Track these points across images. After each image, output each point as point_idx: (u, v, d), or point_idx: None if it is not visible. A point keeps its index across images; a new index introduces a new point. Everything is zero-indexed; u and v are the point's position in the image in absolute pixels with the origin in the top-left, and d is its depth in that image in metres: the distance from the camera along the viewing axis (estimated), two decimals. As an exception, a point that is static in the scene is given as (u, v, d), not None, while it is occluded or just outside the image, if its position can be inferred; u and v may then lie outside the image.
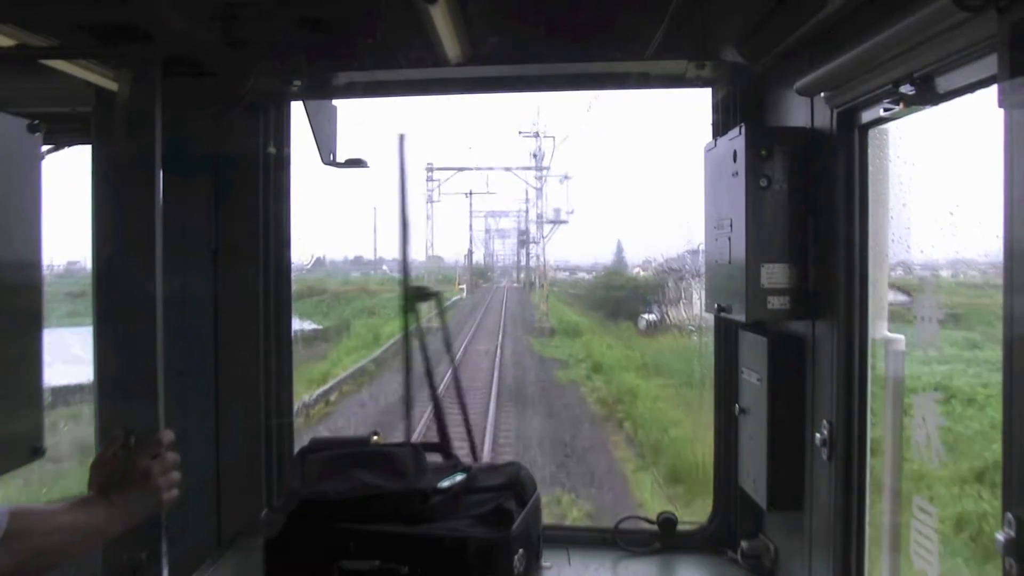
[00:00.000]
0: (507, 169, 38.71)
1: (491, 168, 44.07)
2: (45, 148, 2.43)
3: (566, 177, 40.04)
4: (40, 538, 1.67)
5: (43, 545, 1.68)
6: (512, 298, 43.37)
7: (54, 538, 1.71)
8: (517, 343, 24.78)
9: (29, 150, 2.22)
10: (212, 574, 2.71)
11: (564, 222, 40.80)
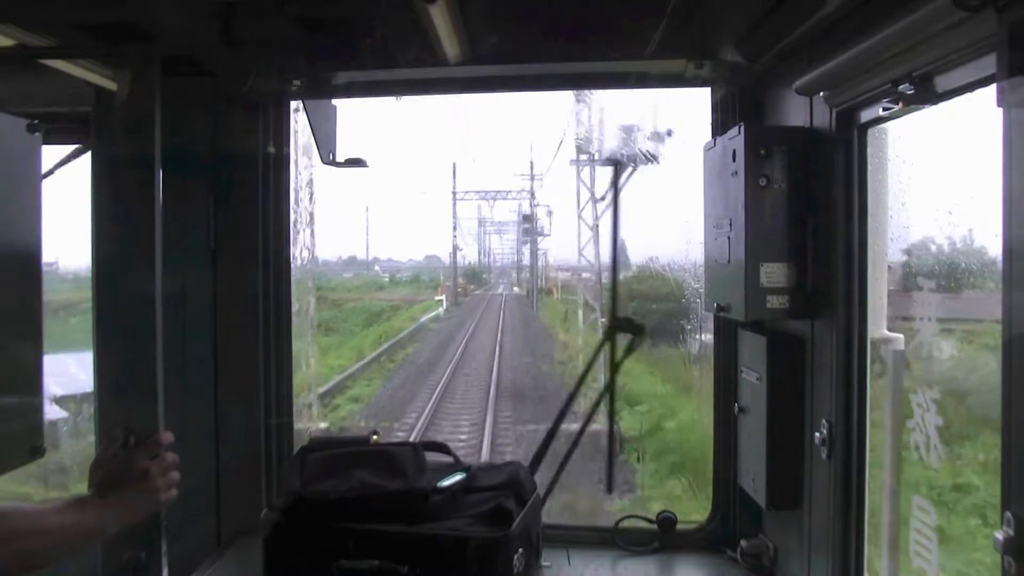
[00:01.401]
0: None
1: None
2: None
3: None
4: (25, 540, 1.66)
5: (28, 547, 1.66)
6: (513, 318, 29.11)
7: (40, 540, 1.69)
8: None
9: (29, 150, 2.22)
10: (212, 574, 2.71)
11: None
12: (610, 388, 2.64)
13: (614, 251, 2.80)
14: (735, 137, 2.35)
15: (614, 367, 2.61)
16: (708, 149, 2.62)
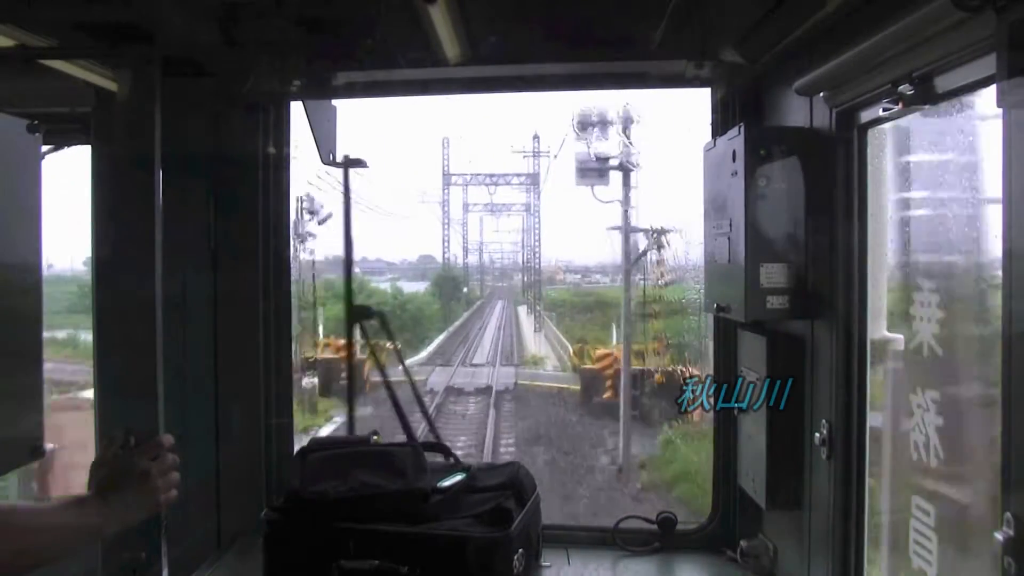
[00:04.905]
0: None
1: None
2: (45, 148, 2.43)
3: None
4: (22, 537, 1.65)
5: (25, 544, 1.66)
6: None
7: (38, 538, 1.68)
8: None
9: (29, 150, 2.22)
10: (212, 574, 2.71)
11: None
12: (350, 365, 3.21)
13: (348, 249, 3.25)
14: (735, 137, 2.35)
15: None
16: (708, 149, 2.62)
